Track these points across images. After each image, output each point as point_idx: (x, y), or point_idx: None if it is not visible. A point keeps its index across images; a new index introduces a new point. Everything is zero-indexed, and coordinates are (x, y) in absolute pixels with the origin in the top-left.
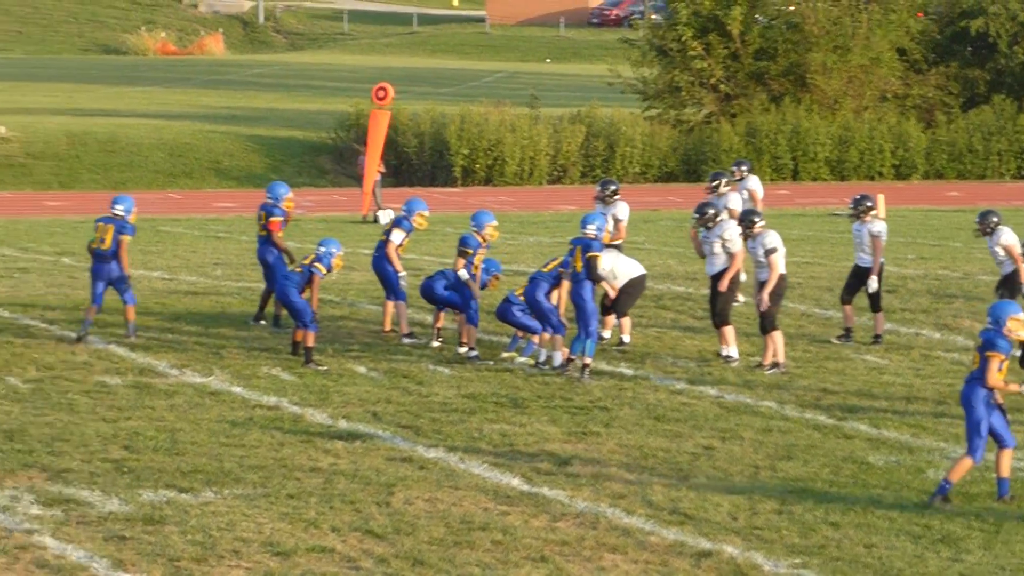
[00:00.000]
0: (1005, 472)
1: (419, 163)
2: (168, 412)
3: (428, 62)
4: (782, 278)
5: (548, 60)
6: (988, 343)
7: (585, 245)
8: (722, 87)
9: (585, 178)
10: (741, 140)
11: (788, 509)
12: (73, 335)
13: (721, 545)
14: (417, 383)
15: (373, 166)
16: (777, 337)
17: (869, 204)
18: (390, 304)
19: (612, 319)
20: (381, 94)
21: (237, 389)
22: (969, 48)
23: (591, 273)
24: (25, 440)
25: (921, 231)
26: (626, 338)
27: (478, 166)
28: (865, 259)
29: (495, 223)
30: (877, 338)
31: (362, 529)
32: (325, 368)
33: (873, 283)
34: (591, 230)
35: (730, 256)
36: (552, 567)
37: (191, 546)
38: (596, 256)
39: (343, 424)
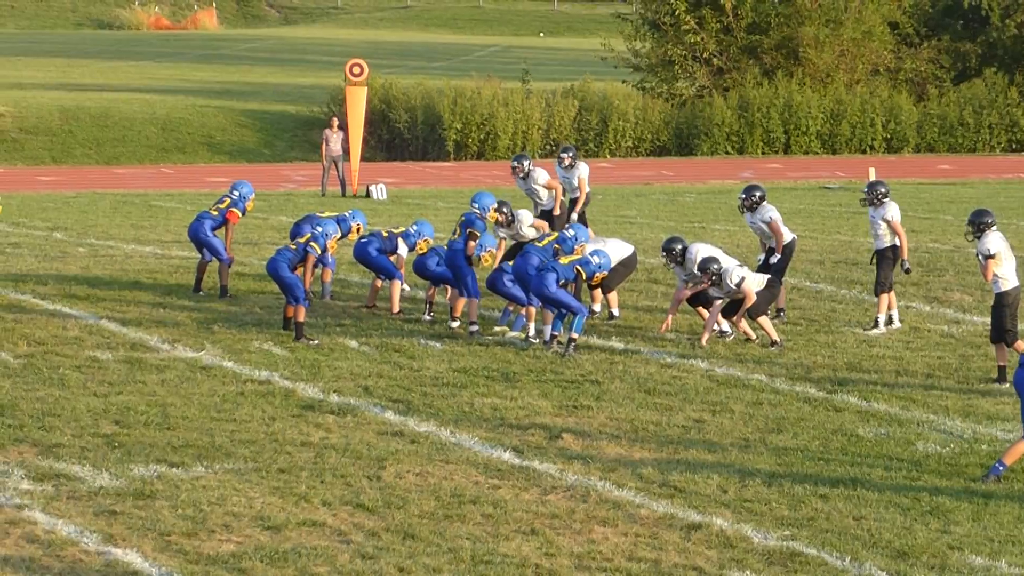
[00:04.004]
0: (1009, 460)
1: (411, 137)
2: (159, 387)
3: (421, 36)
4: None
5: (542, 34)
6: None
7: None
8: (715, 61)
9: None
10: (733, 114)
11: (778, 482)
12: (67, 309)
13: (711, 517)
14: (408, 357)
15: (357, 142)
16: (764, 322)
17: (884, 190)
18: (396, 284)
19: (599, 293)
20: (356, 70)
21: (228, 364)
22: (961, 21)
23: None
24: (16, 415)
25: (912, 204)
26: (615, 312)
27: (471, 140)
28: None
29: (495, 205)
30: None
31: (353, 503)
32: (316, 342)
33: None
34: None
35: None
36: (543, 540)
37: (182, 520)
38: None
39: (334, 398)
